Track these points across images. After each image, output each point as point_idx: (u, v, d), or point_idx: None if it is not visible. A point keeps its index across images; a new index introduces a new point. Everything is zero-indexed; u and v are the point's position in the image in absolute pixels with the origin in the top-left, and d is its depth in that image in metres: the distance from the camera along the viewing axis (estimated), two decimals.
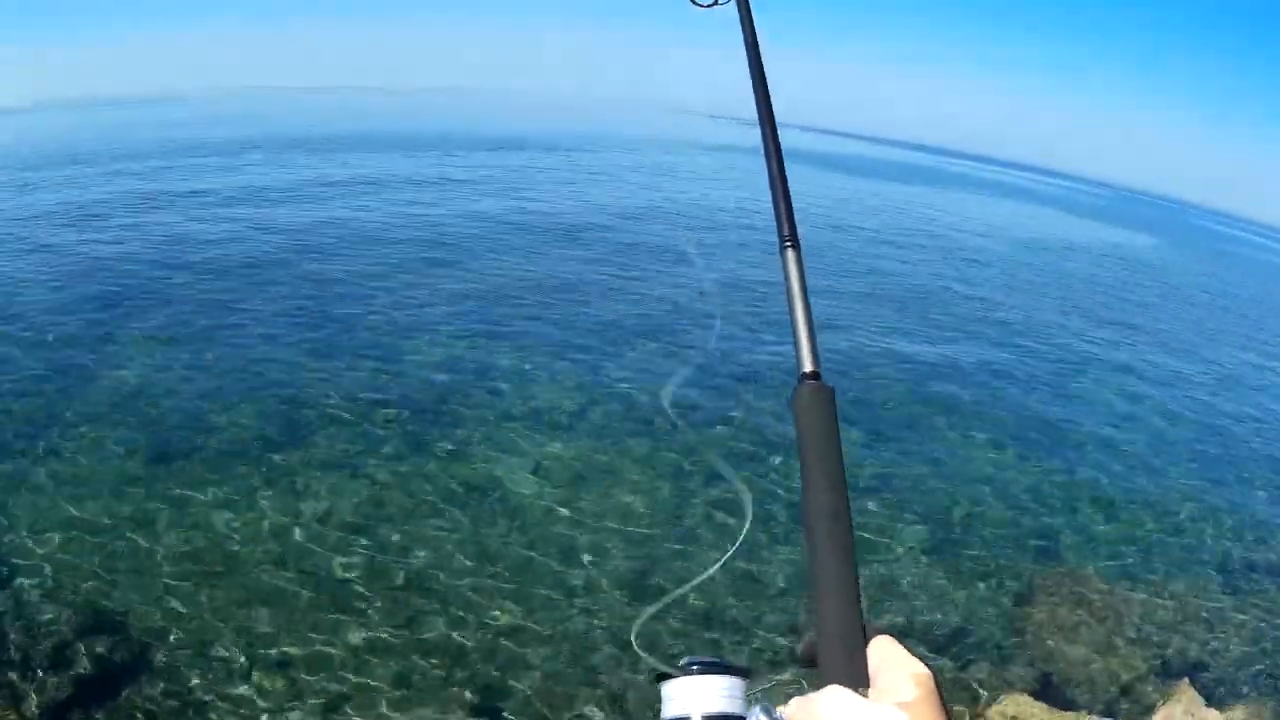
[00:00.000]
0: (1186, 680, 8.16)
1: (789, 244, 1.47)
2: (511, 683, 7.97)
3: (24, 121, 68.33)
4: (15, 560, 8.90)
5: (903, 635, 1.16)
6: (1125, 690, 8.83)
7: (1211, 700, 7.94)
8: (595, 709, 7.76)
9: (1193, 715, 6.99)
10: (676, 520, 10.79)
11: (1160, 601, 10.49)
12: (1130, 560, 11.45)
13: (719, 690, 1.12)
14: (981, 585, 10.37)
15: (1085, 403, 17.59)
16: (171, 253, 20.79)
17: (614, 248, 25.42)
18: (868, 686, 1.05)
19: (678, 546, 10.27)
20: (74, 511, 9.80)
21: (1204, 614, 10.41)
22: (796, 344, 1.34)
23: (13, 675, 7.38)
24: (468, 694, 7.79)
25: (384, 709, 7.55)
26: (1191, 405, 18.73)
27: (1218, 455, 15.95)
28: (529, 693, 7.87)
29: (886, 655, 1.07)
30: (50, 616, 8.12)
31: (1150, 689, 8.80)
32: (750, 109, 1.64)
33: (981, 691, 8.30)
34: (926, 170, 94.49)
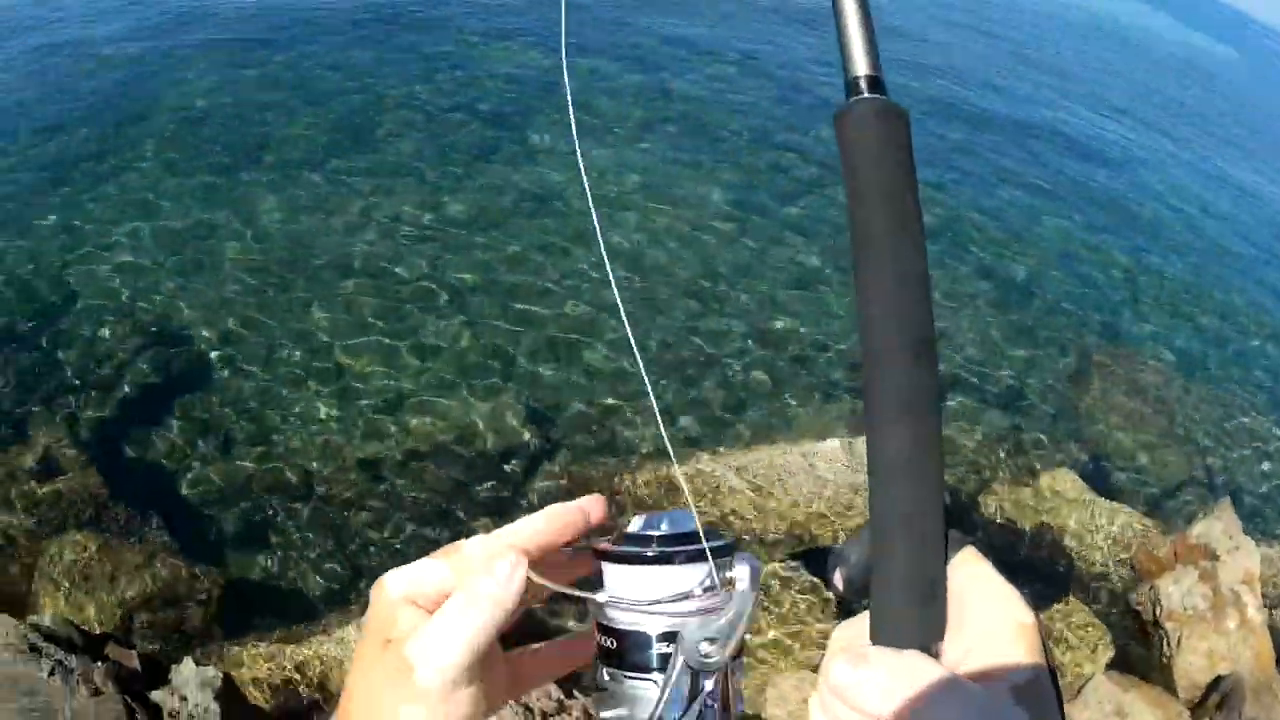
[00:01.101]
0: (1228, 499, 7.80)
1: None
2: (565, 396, 8.11)
3: None
4: (80, 273, 8.87)
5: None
6: (1167, 493, 8.74)
7: (1249, 529, 7.59)
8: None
9: (1231, 538, 6.97)
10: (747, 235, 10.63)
11: (1214, 409, 10.17)
12: (1191, 356, 11.12)
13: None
14: (1040, 351, 10.13)
15: (1168, 193, 16.58)
16: None
17: None
18: (941, 640, 0.70)
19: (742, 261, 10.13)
20: (140, 224, 9.64)
21: (1257, 435, 10.07)
22: (842, 32, 0.81)
23: (74, 386, 7.64)
24: (523, 399, 7.98)
25: (441, 410, 7.77)
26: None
27: None
28: (581, 406, 8.01)
29: (976, 590, 0.71)
30: (112, 330, 8.23)
31: (1192, 499, 8.71)
32: None
33: (1032, 459, 8.30)
34: None
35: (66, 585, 6.04)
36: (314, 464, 7.32)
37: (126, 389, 7.66)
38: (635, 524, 0.83)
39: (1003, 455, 8.28)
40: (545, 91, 13.35)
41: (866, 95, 0.80)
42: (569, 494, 6.37)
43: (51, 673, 4.77)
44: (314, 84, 13.06)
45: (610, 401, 8.05)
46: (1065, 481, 7.70)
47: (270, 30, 15.13)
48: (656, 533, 0.80)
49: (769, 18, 19.19)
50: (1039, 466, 8.18)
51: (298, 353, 8.21)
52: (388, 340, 8.41)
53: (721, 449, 7.48)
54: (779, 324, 9.35)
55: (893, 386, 0.72)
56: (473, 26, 15.70)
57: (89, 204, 9.90)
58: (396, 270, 9.25)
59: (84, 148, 11.04)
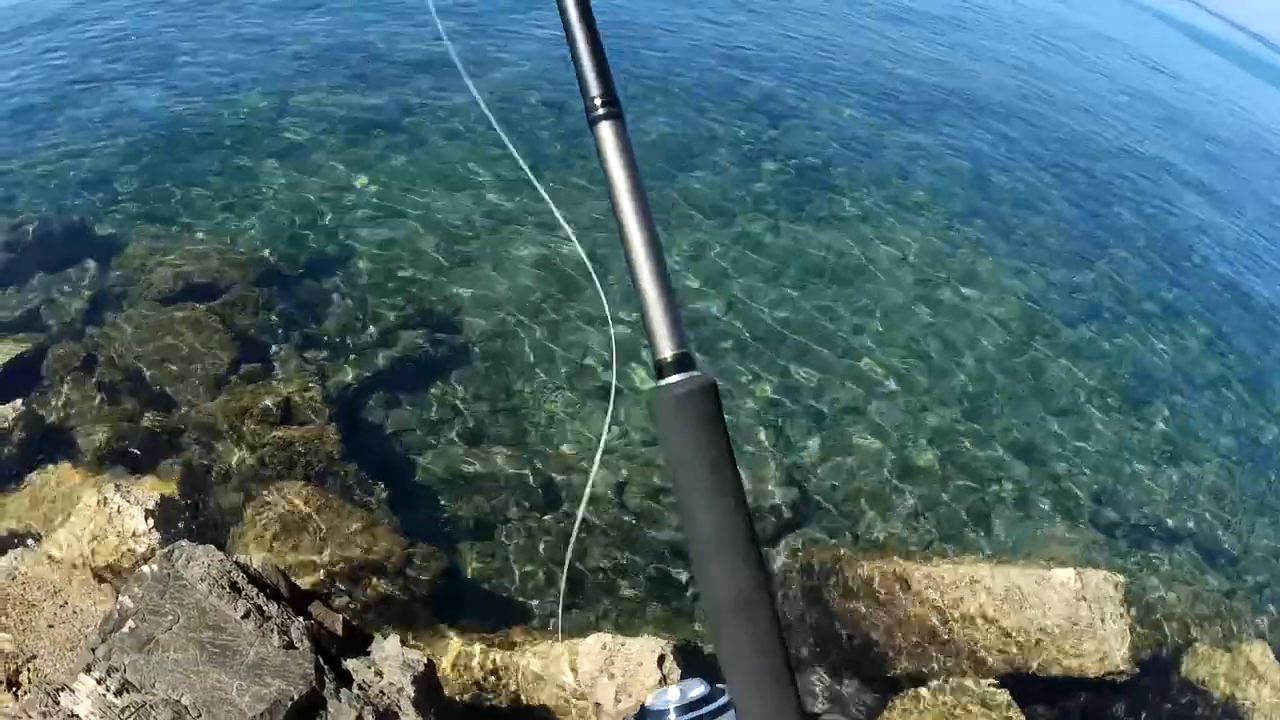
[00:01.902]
0: None
1: (604, 111, 1.03)
2: (813, 476, 7.33)
3: None
4: (368, 234, 8.66)
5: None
6: None
7: None
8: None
9: None
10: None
11: None
12: None
13: None
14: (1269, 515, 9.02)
15: None
16: None
17: None
18: None
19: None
20: (440, 200, 9.44)
21: None
22: (647, 317, 0.96)
23: (334, 341, 7.29)
24: (779, 468, 7.19)
25: None
26: None
27: None
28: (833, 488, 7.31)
29: None
30: (388, 297, 7.90)
31: None
32: None
33: (1234, 625, 7.29)
34: None
35: (277, 531, 5.29)
36: (561, 478, 6.43)
37: (386, 357, 7.12)
38: (651, 699, 1.01)
39: (1207, 614, 7.27)
40: (863, 152, 12.98)
41: (676, 377, 0.95)
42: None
43: (246, 615, 4.01)
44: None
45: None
46: (1258, 654, 6.88)
47: None
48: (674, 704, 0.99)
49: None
50: (1241, 634, 7.25)
51: (568, 366, 7.56)
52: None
53: (965, 556, 6.86)
54: (1043, 441, 8.66)
55: (735, 621, 0.89)
56: (799, 80, 15.46)
57: (397, 168, 9.78)
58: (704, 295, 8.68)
59: (391, 113, 10.98)
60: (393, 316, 7.62)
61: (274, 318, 7.39)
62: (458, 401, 6.98)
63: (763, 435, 7.45)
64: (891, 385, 8.49)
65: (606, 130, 1.02)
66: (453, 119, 10.76)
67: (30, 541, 5.15)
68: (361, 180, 9.42)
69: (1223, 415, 10.02)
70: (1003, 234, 11.96)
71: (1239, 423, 10.03)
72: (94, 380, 6.40)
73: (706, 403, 0.92)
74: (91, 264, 7.70)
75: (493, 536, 6.05)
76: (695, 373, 0.94)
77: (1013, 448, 8.26)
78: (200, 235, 8.33)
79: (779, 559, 6.44)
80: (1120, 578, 6.14)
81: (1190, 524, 8.22)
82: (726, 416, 0.95)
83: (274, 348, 7.11)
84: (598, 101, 1.03)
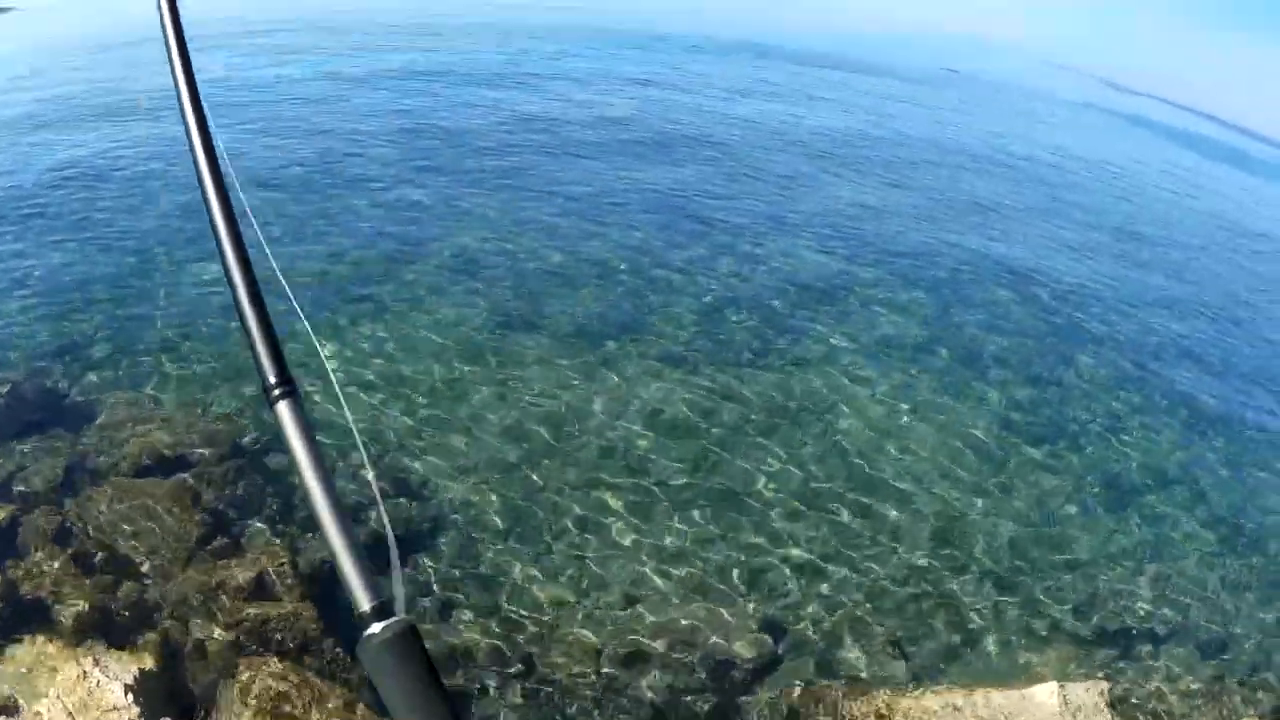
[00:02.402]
0: None
1: (280, 392, 1.11)
2: (792, 617, 7.49)
3: None
4: (329, 410, 8.58)
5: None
6: None
7: None
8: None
9: None
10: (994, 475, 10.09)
11: None
12: None
13: None
14: (1255, 599, 9.20)
15: None
16: (518, 131, 20.19)
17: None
18: None
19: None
20: (400, 369, 9.70)
21: None
22: (343, 574, 1.00)
23: (302, 514, 7.28)
24: (753, 616, 7.30)
25: (672, 612, 7.14)
26: None
27: None
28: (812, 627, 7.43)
29: None
30: (354, 466, 7.86)
31: None
32: None
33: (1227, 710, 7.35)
34: None
35: (256, 708, 5.38)
36: (535, 644, 6.61)
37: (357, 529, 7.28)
38: None
39: (1198, 708, 7.37)
40: (821, 297, 13.48)
41: (376, 627, 0.98)
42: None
43: None
44: (589, 257, 13.37)
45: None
46: None
47: (545, 191, 15.98)
48: None
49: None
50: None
51: (539, 528, 7.77)
52: (633, 534, 7.91)
53: (941, 685, 6.92)
54: (1019, 558, 8.86)
55: None
56: (758, 227, 16.13)
57: (353, 332, 10.18)
58: (652, 464, 8.95)
59: (353, 281, 11.50)
60: (364, 486, 7.86)
61: (243, 490, 7.55)
62: (431, 570, 7.11)
63: (735, 577, 7.67)
64: (858, 521, 8.73)
65: (284, 410, 1.10)
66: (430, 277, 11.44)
67: (11, 714, 5.17)
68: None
69: (1196, 509, 10.32)
70: (964, 359, 12.43)
71: (1214, 513, 10.34)
72: (69, 551, 6.47)
73: (407, 646, 0.97)
74: (63, 432, 7.86)
75: (469, 708, 6.18)
76: (396, 618, 0.99)
77: (988, 569, 8.48)
78: (169, 404, 8.59)
79: (755, 710, 6.54)
80: (1105, 684, 6.30)
81: (1174, 619, 8.42)
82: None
83: (246, 520, 7.25)
84: (274, 383, 1.12)
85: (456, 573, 7.22)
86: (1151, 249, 22.62)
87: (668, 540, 7.97)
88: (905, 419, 10.60)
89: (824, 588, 7.85)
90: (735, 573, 7.76)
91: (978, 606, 8.05)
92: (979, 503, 9.48)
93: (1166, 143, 58.29)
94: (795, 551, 8.19)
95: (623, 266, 13.09)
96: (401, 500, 7.84)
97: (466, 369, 9.92)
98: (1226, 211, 33.73)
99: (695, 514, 8.36)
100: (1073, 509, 9.77)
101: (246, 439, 8.21)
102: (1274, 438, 12.73)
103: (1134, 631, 8.18)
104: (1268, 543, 10.17)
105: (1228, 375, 14.64)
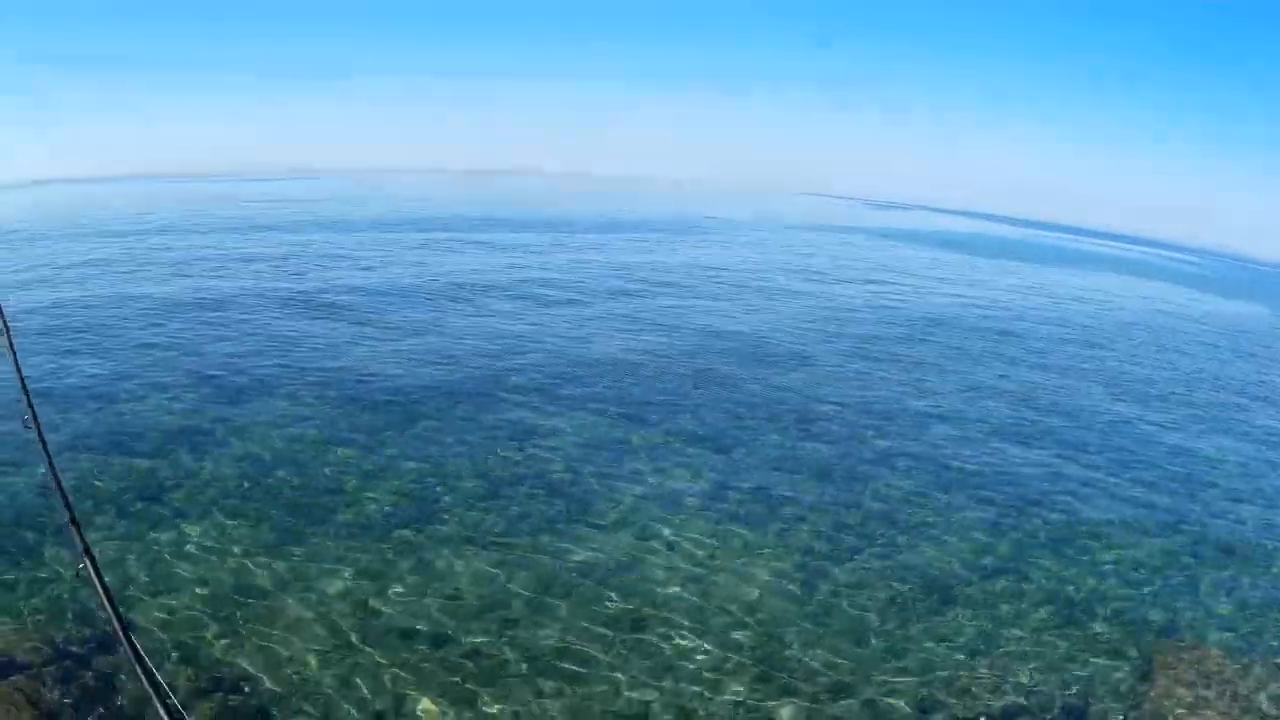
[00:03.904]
0: None
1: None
2: None
3: None
4: (135, 618, 8.92)
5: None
6: None
7: None
8: None
9: None
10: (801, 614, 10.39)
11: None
12: (1248, 632, 10.92)
13: None
14: (1102, 660, 9.93)
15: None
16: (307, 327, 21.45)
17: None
18: None
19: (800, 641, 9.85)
20: (200, 573, 9.94)
21: None
22: None
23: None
24: None
25: None
26: None
27: None
28: None
29: None
30: (169, 672, 8.14)
31: None
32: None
33: None
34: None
35: None
36: None
37: None
38: None
39: None
40: (606, 461, 14.12)
41: None
42: None
43: None
44: (376, 445, 13.93)
45: None
46: None
47: (329, 385, 16.67)
48: None
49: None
50: None
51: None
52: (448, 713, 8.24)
53: None
54: (850, 675, 9.24)
55: None
56: (534, 402, 16.89)
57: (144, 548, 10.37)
58: (460, 641, 9.26)
59: (146, 487, 11.82)
60: (184, 683, 8.07)
61: (75, 691, 7.64)
62: None
63: None
64: (673, 667, 9.02)
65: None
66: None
67: None
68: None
69: (1024, 592, 11.15)
70: (760, 500, 13.11)
71: (1045, 591, 11.18)
72: None
73: None
74: None
75: None
76: None
77: (817, 694, 8.76)
78: None
79: None
80: None
81: (1021, 701, 8.88)
82: None
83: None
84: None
85: None
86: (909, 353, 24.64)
87: (494, 712, 8.32)
88: (713, 566, 11.12)
89: None
90: None
91: None
92: (793, 629, 9.91)
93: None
94: (627, 695, 8.60)
95: (404, 462, 13.59)
96: (225, 696, 8.05)
97: (263, 570, 10.24)
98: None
99: (509, 684, 8.71)
100: (893, 619, 10.27)
101: (69, 642, 8.40)
102: (1073, 511, 14.09)
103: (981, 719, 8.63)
104: (1101, 607, 11.08)
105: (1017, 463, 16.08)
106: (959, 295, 40.49)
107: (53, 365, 17.30)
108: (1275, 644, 10.76)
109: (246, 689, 8.23)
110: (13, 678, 7.72)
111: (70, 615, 8.80)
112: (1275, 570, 12.92)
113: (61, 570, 9.57)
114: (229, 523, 11.21)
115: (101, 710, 7.68)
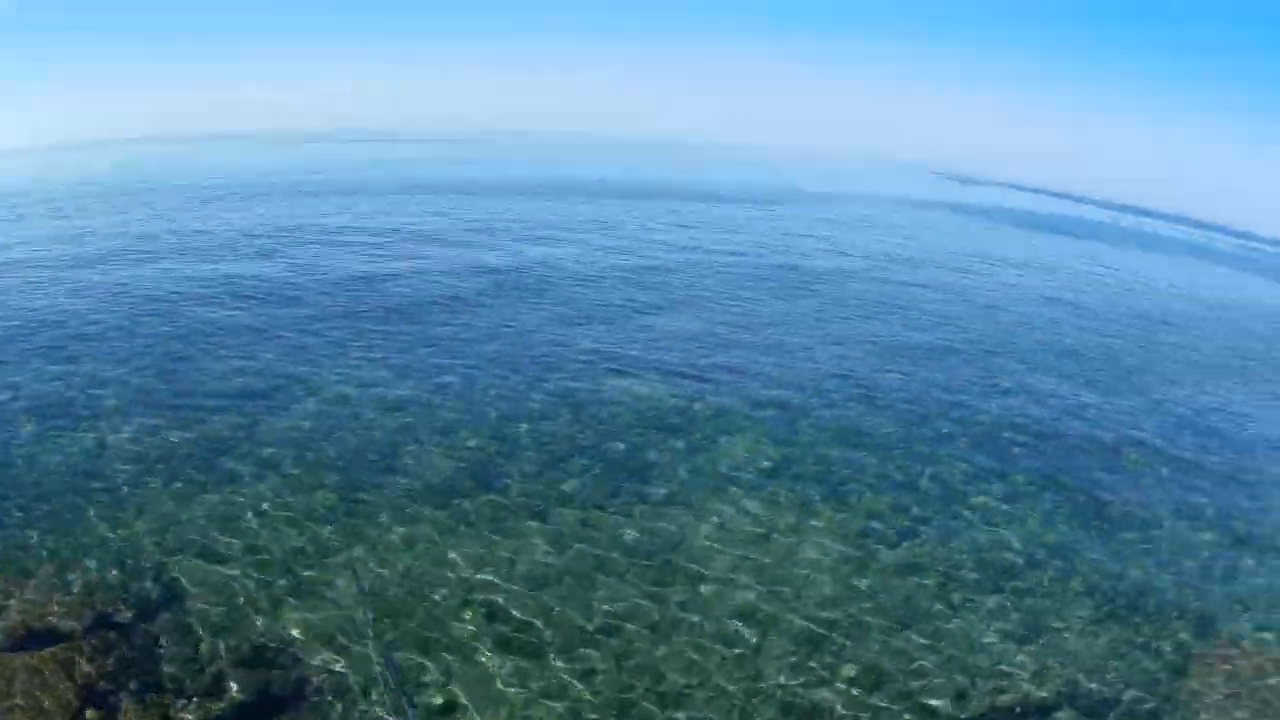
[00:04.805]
0: None
1: None
2: None
3: None
4: (185, 583, 9.01)
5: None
6: None
7: None
8: None
9: None
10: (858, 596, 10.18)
11: None
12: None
13: None
14: (1141, 655, 9.68)
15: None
16: (367, 288, 21.33)
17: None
18: None
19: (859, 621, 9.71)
20: (254, 539, 9.94)
21: None
22: None
23: (170, 695, 7.47)
24: None
25: None
26: None
27: None
28: None
29: None
30: (210, 643, 8.18)
31: None
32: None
33: None
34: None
35: None
36: None
37: (224, 703, 7.61)
38: None
39: None
40: (666, 431, 13.74)
41: None
42: None
43: None
44: (440, 413, 13.74)
45: None
46: None
47: (398, 350, 16.38)
48: None
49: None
50: None
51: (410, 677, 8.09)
52: (492, 685, 8.16)
53: None
54: (890, 661, 9.09)
55: None
56: (597, 366, 16.60)
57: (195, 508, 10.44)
58: (511, 614, 9.18)
59: (210, 444, 11.94)
60: (225, 659, 8.10)
61: (112, 663, 7.79)
62: None
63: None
64: (719, 645, 8.93)
65: None
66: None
67: None
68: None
69: (1071, 581, 10.75)
70: (819, 478, 12.70)
71: (1088, 583, 10.76)
72: None
73: None
74: None
75: None
76: None
77: (859, 677, 8.67)
78: (34, 581, 8.72)
79: None
80: None
81: (1059, 691, 8.76)
82: None
83: (116, 695, 7.46)
84: None
85: None
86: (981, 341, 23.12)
87: (539, 685, 8.22)
88: (766, 543, 10.91)
89: (699, 697, 8.21)
90: (610, 711, 8.03)
91: (852, 713, 8.31)
92: (840, 612, 9.73)
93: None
94: (672, 680, 8.48)
95: (464, 429, 13.44)
96: (263, 668, 8.06)
97: (317, 536, 10.20)
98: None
99: (559, 656, 8.63)
100: (939, 601, 10.10)
101: (112, 610, 8.43)
102: (1119, 504, 13.26)
103: (1017, 710, 8.50)
104: (1144, 600, 10.68)
105: (1077, 453, 15.13)
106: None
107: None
108: None
109: (289, 661, 8.22)
110: (51, 648, 7.70)
111: (113, 586, 8.76)
112: None
113: (109, 537, 9.55)
114: (287, 485, 11.22)
115: (138, 683, 7.62)
